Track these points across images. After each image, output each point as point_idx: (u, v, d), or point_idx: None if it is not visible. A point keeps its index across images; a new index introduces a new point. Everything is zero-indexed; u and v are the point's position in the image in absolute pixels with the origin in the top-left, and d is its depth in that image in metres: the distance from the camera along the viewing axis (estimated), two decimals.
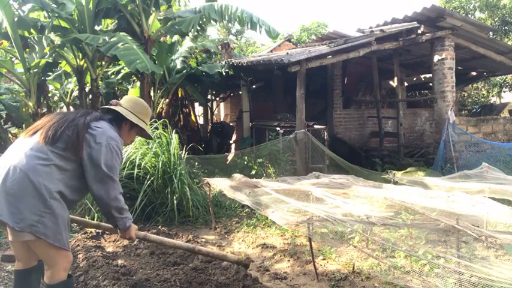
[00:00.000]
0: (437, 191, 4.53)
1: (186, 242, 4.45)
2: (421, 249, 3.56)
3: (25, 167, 2.20)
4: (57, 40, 8.12)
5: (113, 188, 2.38)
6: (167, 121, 6.32)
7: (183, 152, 6.22)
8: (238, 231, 5.18)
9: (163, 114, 9.95)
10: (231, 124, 13.28)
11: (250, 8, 8.28)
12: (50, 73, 8.84)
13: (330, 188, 4.25)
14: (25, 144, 2.32)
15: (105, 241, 4.55)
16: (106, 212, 2.47)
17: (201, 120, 13.93)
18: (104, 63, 8.78)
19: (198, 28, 8.56)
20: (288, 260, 4.09)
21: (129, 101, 2.75)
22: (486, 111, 14.42)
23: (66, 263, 2.39)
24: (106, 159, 2.34)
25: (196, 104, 14.19)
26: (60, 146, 2.30)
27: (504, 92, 19.06)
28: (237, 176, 5.10)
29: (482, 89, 18.72)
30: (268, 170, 7.37)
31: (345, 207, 3.56)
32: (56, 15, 7.16)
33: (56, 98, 10.71)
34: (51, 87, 9.97)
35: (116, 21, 8.39)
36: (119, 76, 10.14)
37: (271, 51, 16.59)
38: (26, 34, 7.79)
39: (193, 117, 11.58)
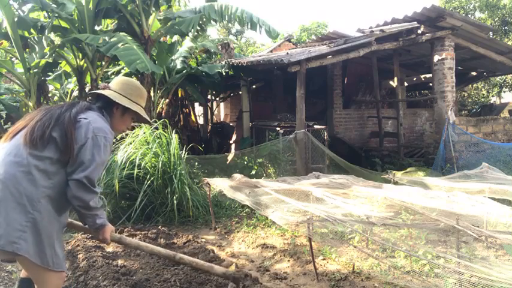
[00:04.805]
0: (437, 191, 4.52)
1: (186, 242, 4.44)
2: (421, 249, 3.56)
3: (4, 176, 1.96)
4: (57, 40, 8.12)
5: (89, 190, 2.08)
6: (167, 121, 6.32)
7: (183, 152, 6.22)
8: (238, 231, 5.18)
9: (163, 114, 9.96)
10: (231, 124, 13.27)
11: (250, 8, 8.29)
12: (50, 73, 8.85)
13: (330, 188, 4.25)
14: (4, 150, 2.06)
15: None
16: (75, 209, 2.20)
17: (201, 120, 13.93)
18: (104, 63, 8.78)
19: (198, 28, 8.57)
20: (288, 260, 4.09)
21: (119, 83, 2.43)
22: (486, 111, 14.44)
23: (56, 282, 2.10)
24: (91, 154, 2.07)
25: (196, 104, 14.20)
26: (49, 149, 2.05)
27: (504, 92, 19.06)
28: (237, 176, 5.09)
29: (482, 89, 18.72)
30: (268, 170, 7.37)
31: (345, 207, 3.56)
32: (56, 15, 7.16)
33: (56, 98, 10.71)
34: (51, 87, 9.97)
35: (116, 21, 8.39)
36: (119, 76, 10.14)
37: (271, 51, 16.58)
38: (26, 34, 7.79)
39: (193, 117, 11.59)
